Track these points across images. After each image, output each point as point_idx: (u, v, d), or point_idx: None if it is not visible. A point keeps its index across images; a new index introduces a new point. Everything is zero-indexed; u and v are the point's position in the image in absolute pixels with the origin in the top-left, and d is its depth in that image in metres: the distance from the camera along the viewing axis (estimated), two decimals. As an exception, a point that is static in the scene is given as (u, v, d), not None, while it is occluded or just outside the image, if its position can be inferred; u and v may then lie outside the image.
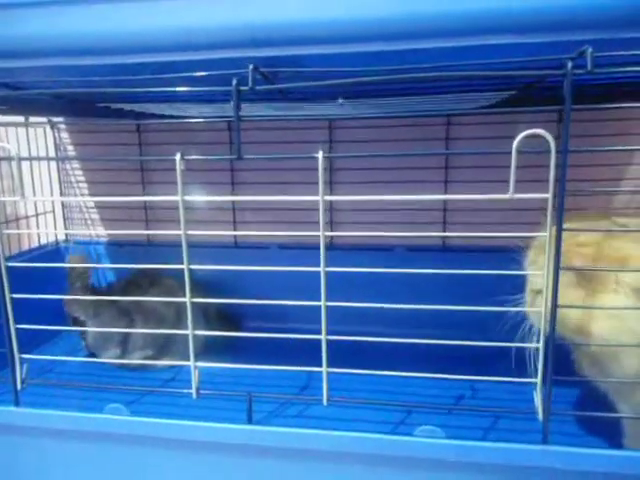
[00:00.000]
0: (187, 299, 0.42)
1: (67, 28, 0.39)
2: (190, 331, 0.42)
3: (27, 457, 0.48)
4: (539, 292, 0.45)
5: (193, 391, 0.43)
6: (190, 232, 0.41)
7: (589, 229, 0.44)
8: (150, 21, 0.39)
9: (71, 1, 0.38)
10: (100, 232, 1.02)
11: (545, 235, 0.38)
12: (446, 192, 0.89)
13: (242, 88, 0.40)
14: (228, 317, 0.85)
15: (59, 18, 0.39)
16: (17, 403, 0.46)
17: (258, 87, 0.40)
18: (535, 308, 0.45)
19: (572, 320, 0.43)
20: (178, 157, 0.41)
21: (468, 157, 0.86)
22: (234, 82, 0.39)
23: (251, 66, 0.39)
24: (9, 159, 0.50)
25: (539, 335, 0.41)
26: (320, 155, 0.40)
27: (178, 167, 0.41)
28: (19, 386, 0.46)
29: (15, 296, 0.42)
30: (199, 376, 0.44)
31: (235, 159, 0.41)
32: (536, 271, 0.46)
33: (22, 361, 0.46)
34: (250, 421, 0.43)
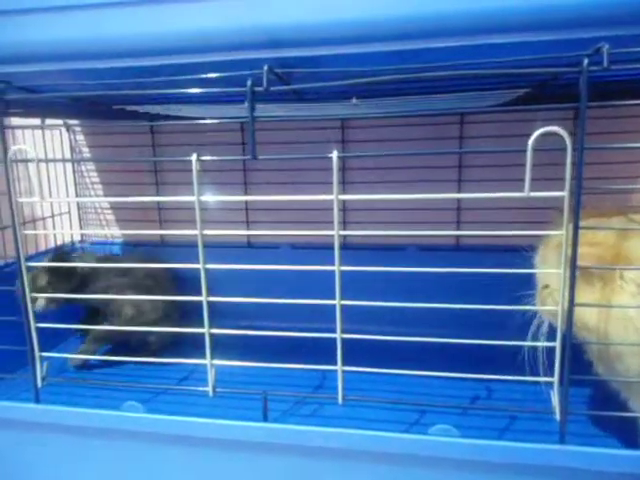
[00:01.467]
0: (204, 298, 0.42)
1: (85, 32, 0.40)
2: (206, 329, 0.43)
3: (46, 453, 0.49)
4: (549, 289, 0.45)
5: (210, 389, 0.44)
6: (207, 232, 0.41)
7: (604, 227, 0.43)
8: (166, 24, 0.40)
9: (88, 5, 0.39)
10: (115, 232, 1.04)
11: (559, 233, 0.38)
12: (459, 191, 0.89)
13: (257, 89, 0.40)
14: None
15: (78, 22, 0.40)
16: (37, 400, 0.47)
17: (272, 88, 0.40)
18: (547, 307, 0.45)
19: (584, 319, 0.43)
20: (194, 158, 0.41)
21: (482, 156, 0.86)
22: (249, 83, 0.40)
23: (266, 67, 0.39)
24: (28, 161, 0.51)
25: (549, 333, 0.41)
26: (335, 155, 0.40)
27: (194, 168, 0.41)
28: (39, 384, 0.47)
29: (36, 295, 0.43)
30: (215, 375, 0.44)
31: (250, 159, 0.42)
32: (547, 269, 0.46)
33: (42, 359, 0.47)
34: (266, 419, 0.43)
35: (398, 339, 0.40)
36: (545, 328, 0.46)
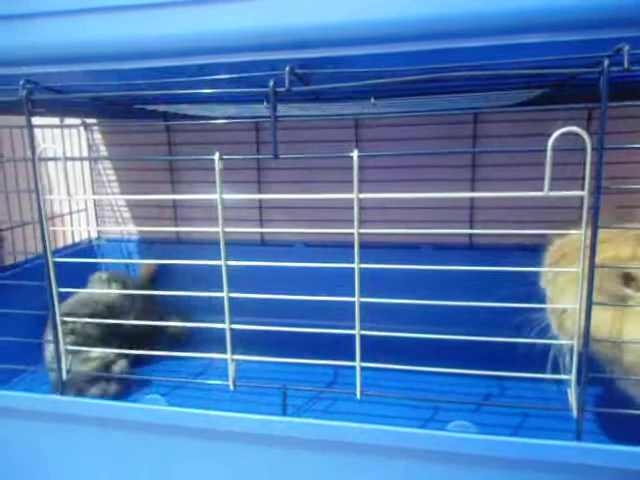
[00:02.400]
0: (225, 294, 0.43)
1: (111, 34, 0.41)
2: (227, 325, 0.43)
3: (68, 445, 0.50)
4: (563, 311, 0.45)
5: (230, 383, 0.45)
6: (228, 229, 0.42)
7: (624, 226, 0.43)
8: (189, 25, 0.40)
9: (114, 7, 0.40)
10: (131, 229, 1.05)
11: (577, 232, 0.38)
12: (473, 190, 0.89)
13: (278, 89, 0.41)
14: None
15: (103, 25, 0.41)
16: (62, 392, 0.48)
17: (294, 88, 0.41)
18: (563, 329, 0.44)
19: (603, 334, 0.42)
20: (217, 157, 0.42)
21: (496, 155, 0.86)
22: (271, 84, 0.40)
23: (288, 68, 0.40)
24: (55, 159, 0.52)
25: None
26: (355, 154, 0.40)
27: (217, 167, 0.42)
28: (64, 376, 0.48)
29: (63, 290, 0.44)
30: (236, 369, 0.45)
31: (272, 158, 0.42)
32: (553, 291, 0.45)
33: (67, 352, 0.48)
34: (285, 413, 0.44)
35: (415, 336, 0.41)
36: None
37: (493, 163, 0.87)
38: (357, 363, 0.42)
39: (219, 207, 0.42)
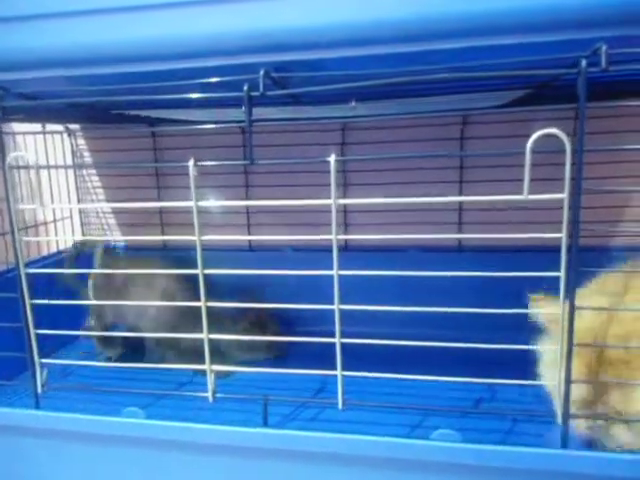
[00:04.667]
0: (202, 303, 0.42)
1: (82, 38, 0.40)
2: (205, 335, 0.42)
3: (47, 459, 0.49)
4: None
5: (209, 394, 0.44)
6: (204, 237, 0.41)
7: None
8: (163, 29, 0.40)
9: (84, 12, 0.39)
10: (117, 237, 1.04)
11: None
12: (461, 192, 0.88)
13: (253, 93, 0.40)
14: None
15: (73, 29, 0.40)
16: (37, 406, 0.47)
17: (269, 92, 0.40)
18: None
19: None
20: (191, 163, 0.41)
21: (483, 157, 0.85)
22: (245, 88, 0.40)
23: (262, 71, 0.39)
24: (26, 168, 0.51)
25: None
26: (332, 159, 0.40)
27: (191, 173, 0.41)
28: (39, 390, 0.47)
29: (35, 302, 0.43)
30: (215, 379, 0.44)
31: (248, 164, 0.41)
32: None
33: (42, 365, 0.47)
34: (266, 424, 0.43)
35: (395, 343, 0.40)
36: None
37: (482, 165, 0.86)
38: (338, 372, 0.41)
39: (194, 214, 0.42)
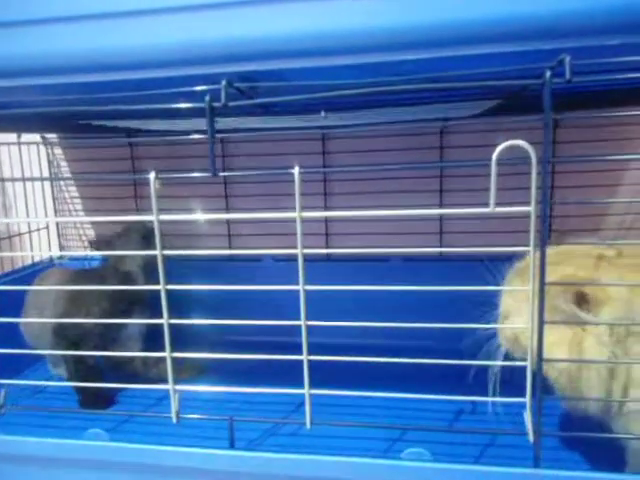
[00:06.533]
0: (165, 320, 0.41)
1: (37, 47, 0.39)
2: (168, 353, 0.41)
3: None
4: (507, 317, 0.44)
5: (173, 415, 0.42)
6: (165, 252, 0.40)
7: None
8: (127, 38, 0.38)
9: (40, 21, 0.38)
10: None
11: (527, 250, 0.36)
12: (441, 200, 0.88)
13: (215, 104, 0.39)
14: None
15: (30, 38, 0.39)
16: (-3, 430, 0.45)
17: (233, 103, 0.39)
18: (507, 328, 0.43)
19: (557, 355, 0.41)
20: (152, 176, 0.40)
21: (462, 166, 0.85)
22: (207, 99, 0.39)
23: (224, 82, 0.38)
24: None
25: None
26: (296, 170, 0.39)
27: (152, 186, 0.40)
28: (-2, 412, 0.45)
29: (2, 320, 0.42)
30: (179, 400, 0.42)
31: (211, 176, 0.40)
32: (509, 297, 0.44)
33: (0, 386, 0.45)
34: (232, 446, 0.42)
35: (365, 360, 0.39)
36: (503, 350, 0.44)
37: (462, 174, 0.86)
38: (306, 391, 0.40)
39: (155, 227, 0.40)
